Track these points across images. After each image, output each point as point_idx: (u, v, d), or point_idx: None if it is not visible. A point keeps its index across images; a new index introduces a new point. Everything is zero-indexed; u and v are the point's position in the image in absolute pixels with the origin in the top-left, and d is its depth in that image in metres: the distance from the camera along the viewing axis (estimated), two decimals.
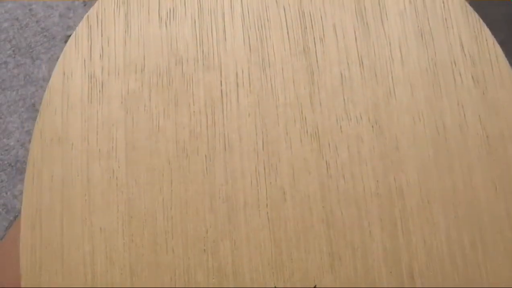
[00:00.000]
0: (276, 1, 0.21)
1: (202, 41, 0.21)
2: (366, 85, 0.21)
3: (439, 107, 0.20)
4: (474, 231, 0.19)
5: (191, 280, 0.18)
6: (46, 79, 0.89)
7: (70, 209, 0.19)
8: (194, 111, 0.20)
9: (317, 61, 0.21)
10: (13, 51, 0.93)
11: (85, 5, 0.92)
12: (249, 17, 0.21)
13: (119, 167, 0.19)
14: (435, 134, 0.20)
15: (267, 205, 0.19)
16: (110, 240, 0.19)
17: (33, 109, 0.87)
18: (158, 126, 0.20)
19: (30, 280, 0.19)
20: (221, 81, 0.20)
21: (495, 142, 0.20)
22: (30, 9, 0.96)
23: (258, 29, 0.21)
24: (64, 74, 0.20)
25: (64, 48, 0.21)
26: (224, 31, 0.21)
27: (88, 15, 0.21)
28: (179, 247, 0.19)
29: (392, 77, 0.21)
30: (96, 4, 0.21)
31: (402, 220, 0.19)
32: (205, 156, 0.20)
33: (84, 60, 0.20)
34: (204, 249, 0.19)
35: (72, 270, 0.19)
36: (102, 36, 0.21)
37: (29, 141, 0.88)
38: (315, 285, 0.19)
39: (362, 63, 0.21)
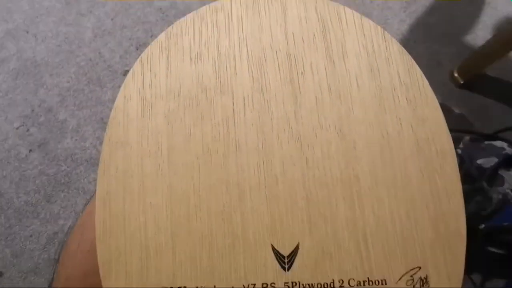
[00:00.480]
0: (271, 47, 0.21)
1: (220, 75, 0.21)
2: (333, 105, 0.21)
3: (383, 120, 0.20)
4: (408, 206, 0.19)
5: (213, 240, 0.18)
6: (111, 101, 0.89)
7: (129, 192, 0.19)
8: (214, 123, 0.20)
9: (299, 88, 0.21)
10: (88, 81, 0.93)
11: (137, 49, 0.92)
12: (252, 58, 0.21)
13: (163, 161, 0.19)
14: (381, 139, 0.20)
15: (265, 187, 0.19)
16: (157, 212, 0.19)
17: (102, 122, 0.87)
18: (190, 134, 0.20)
19: (102, 242, 0.19)
20: (233, 103, 0.20)
21: (422, 144, 0.20)
22: (99, 52, 0.96)
23: (259, 66, 0.21)
24: (124, 97, 0.20)
25: (124, 80, 0.21)
26: (235, 67, 0.21)
27: (141, 57, 0.21)
28: (205, 218, 0.19)
29: (351, 99, 0.21)
30: (146, 49, 0.22)
31: (358, 198, 0.19)
32: (222, 154, 0.20)
33: (138, 88, 0.21)
34: (222, 219, 0.19)
35: (131, 234, 0.19)
36: (150, 71, 0.21)
37: (100, 144, 0.88)
38: (298, 243, 0.19)
39: (330, 89, 0.21)
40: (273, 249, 0.19)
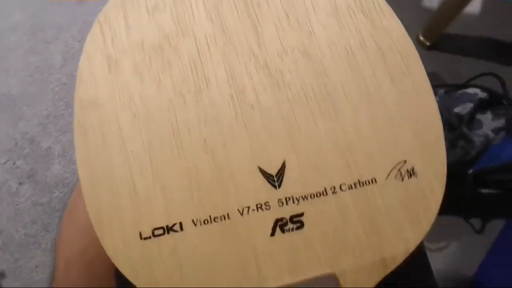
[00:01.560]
0: None
1: (179, 22, 0.21)
2: (293, 30, 0.21)
3: (344, 35, 0.21)
4: (383, 110, 0.20)
5: (199, 174, 0.18)
6: None
7: (109, 146, 0.19)
8: (181, 66, 0.20)
9: (258, 20, 0.21)
10: (66, 105, 0.91)
11: None
12: (207, 1, 0.21)
13: (137, 111, 0.19)
14: (345, 53, 0.20)
15: (242, 116, 0.19)
16: (140, 159, 0.19)
17: None
18: (160, 80, 0.20)
19: (91, 199, 0.18)
20: (196, 44, 0.20)
21: (386, 51, 0.20)
22: (73, 75, 0.95)
23: (215, 7, 0.21)
24: (88, 59, 0.20)
25: (84, 43, 0.21)
26: (192, 12, 0.21)
27: (98, 18, 0.21)
28: (188, 155, 0.19)
29: (309, 22, 0.21)
30: (102, 10, 0.21)
31: (335, 110, 0.19)
32: (195, 93, 0.20)
33: (101, 47, 0.20)
34: (205, 152, 0.19)
35: (119, 185, 0.18)
36: (110, 29, 0.21)
37: None
38: (284, 161, 0.19)
39: (288, 16, 0.21)
40: (261, 170, 0.18)
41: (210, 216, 0.18)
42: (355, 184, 0.18)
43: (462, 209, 0.82)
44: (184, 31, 0.21)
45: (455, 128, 0.76)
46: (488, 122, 0.78)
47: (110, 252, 0.17)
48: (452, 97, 0.83)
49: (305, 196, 0.18)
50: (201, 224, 0.18)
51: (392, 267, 0.17)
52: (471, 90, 0.80)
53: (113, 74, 0.20)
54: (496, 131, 0.78)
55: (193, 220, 0.18)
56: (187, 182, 0.18)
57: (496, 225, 0.80)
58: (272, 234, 0.18)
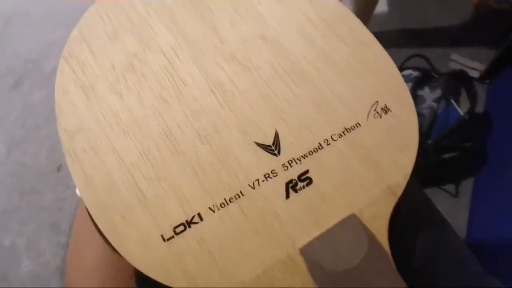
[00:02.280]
0: None
1: (142, 40, 0.22)
2: (246, 20, 0.23)
3: (291, 15, 0.23)
4: (345, 66, 0.22)
5: (202, 163, 0.19)
6: (56, 201, 0.83)
7: (106, 163, 0.19)
8: (156, 75, 0.21)
9: (213, 21, 0.23)
10: (21, 195, 0.86)
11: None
12: (161, 14, 0.23)
13: (126, 125, 0.20)
14: (296, 29, 0.23)
15: (226, 104, 0.20)
16: (141, 167, 0.19)
17: (54, 226, 0.80)
18: (139, 92, 0.21)
19: (100, 219, 0.18)
20: (163, 54, 0.22)
21: (328, 19, 0.23)
22: (22, 162, 0.91)
23: (171, 18, 0.23)
24: (62, 92, 0.21)
25: (56, 78, 0.21)
26: (152, 28, 0.22)
27: (62, 55, 0.22)
28: (187, 149, 0.19)
29: (257, 13, 0.23)
30: (65, 48, 0.22)
31: (305, 77, 0.21)
32: (175, 95, 0.21)
33: (73, 79, 0.21)
34: (201, 143, 0.19)
35: (127, 200, 0.19)
36: (78, 62, 0.22)
37: (61, 248, 0.80)
38: (276, 130, 0.20)
39: (238, 12, 0.23)
40: (258, 144, 0.20)
41: (225, 199, 0.18)
42: (343, 132, 0.20)
43: (433, 179, 0.87)
44: (149, 46, 0.22)
45: None
46: (428, 95, 0.86)
47: (138, 264, 0.17)
48: None
49: (304, 155, 0.19)
50: (218, 209, 0.18)
51: (399, 192, 0.19)
52: (405, 72, 0.88)
53: (92, 99, 0.20)
54: (437, 100, 0.86)
55: (210, 208, 0.18)
56: (193, 174, 0.19)
57: (469, 184, 0.86)
58: (287, 196, 0.19)
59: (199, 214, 0.18)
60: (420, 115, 0.81)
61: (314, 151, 0.20)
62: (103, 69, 0.21)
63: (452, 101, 0.89)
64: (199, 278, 0.17)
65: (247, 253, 0.17)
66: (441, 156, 0.83)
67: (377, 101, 0.21)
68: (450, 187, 0.87)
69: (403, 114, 0.21)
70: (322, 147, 0.20)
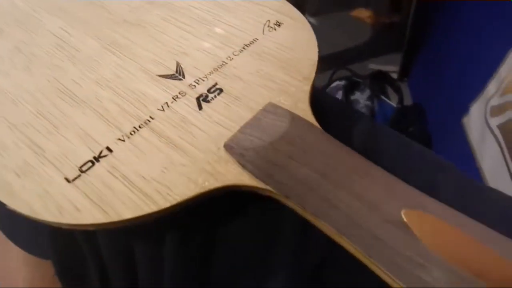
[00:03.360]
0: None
1: (28, 28, 0.22)
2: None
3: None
4: None
5: (106, 104, 0.18)
6: None
7: None
8: (47, 50, 0.21)
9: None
10: None
11: None
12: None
13: (17, 97, 0.19)
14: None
15: (120, 52, 0.20)
16: (35, 125, 0.17)
17: None
18: (29, 68, 0.20)
19: None
20: (53, 34, 0.22)
21: None
22: None
23: (58, 8, 0.23)
24: None
25: None
26: (38, 18, 0.22)
27: None
28: (85, 97, 0.18)
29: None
30: None
31: (184, 20, 0.22)
32: (68, 58, 0.20)
33: None
34: (102, 88, 0.19)
35: (18, 156, 0.17)
36: None
37: None
38: (177, 61, 0.20)
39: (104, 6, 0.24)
40: (161, 76, 0.19)
41: (134, 127, 0.17)
42: (243, 48, 0.20)
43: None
44: (37, 32, 0.22)
45: None
46: (360, 97, 0.91)
47: (44, 215, 0.15)
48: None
49: (210, 72, 0.19)
50: (128, 137, 0.17)
51: (310, 81, 0.19)
52: (334, 84, 0.95)
53: None
54: (370, 99, 0.92)
55: (119, 139, 0.17)
56: (97, 116, 0.18)
57: None
58: (200, 108, 0.18)
59: (107, 147, 0.16)
60: None
61: (219, 67, 0.19)
62: None
63: (383, 97, 0.95)
64: (121, 207, 0.15)
65: (167, 168, 0.16)
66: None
67: (269, 20, 0.22)
68: None
69: (297, 24, 0.22)
70: (226, 63, 0.20)
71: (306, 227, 0.16)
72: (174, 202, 0.15)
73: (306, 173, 0.15)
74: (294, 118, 0.17)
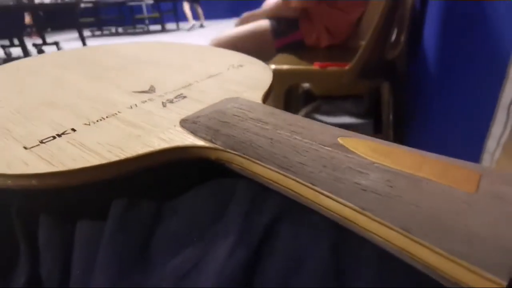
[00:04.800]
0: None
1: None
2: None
3: None
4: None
5: (81, 105, 0.20)
6: None
7: None
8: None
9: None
10: None
11: None
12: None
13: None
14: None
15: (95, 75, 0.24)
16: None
17: None
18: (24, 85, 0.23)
19: None
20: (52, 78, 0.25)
21: None
22: None
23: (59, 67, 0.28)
24: None
25: None
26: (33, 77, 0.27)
27: None
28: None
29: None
30: None
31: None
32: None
33: None
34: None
35: None
36: None
37: None
38: (151, 85, 0.23)
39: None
40: (136, 92, 0.22)
41: (101, 117, 0.19)
42: (209, 77, 0.24)
43: None
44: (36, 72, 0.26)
45: None
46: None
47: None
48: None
49: (178, 89, 0.22)
50: (95, 123, 0.18)
51: (264, 89, 0.22)
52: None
53: None
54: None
55: (85, 123, 0.18)
56: (72, 113, 0.19)
57: None
58: (164, 106, 0.20)
59: (72, 129, 0.18)
60: None
61: (186, 86, 0.23)
62: None
63: None
64: (69, 161, 0.15)
65: (125, 138, 0.17)
66: None
67: (232, 64, 0.26)
68: None
69: (256, 66, 0.26)
70: (193, 84, 0.23)
71: (258, 192, 0.15)
72: (123, 157, 0.15)
73: (249, 126, 0.16)
74: (243, 98, 0.19)
